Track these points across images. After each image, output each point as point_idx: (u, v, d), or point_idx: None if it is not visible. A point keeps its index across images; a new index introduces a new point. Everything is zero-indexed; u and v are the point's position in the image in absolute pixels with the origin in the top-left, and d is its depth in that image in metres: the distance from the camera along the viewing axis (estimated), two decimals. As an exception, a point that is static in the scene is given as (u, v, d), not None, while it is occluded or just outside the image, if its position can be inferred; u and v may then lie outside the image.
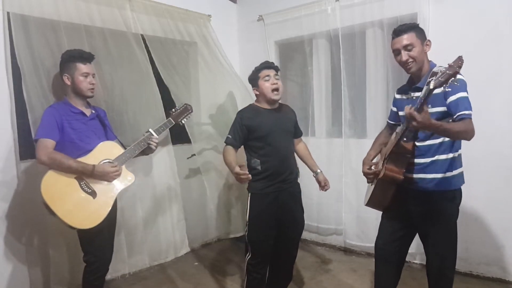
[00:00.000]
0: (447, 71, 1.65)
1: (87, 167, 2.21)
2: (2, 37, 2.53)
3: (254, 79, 2.55)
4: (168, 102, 3.40)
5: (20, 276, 2.65)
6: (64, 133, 2.25)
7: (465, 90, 1.91)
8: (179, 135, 3.63)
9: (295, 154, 2.71)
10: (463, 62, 1.69)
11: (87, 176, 2.23)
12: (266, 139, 2.46)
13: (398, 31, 2.04)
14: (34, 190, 2.32)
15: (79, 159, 2.23)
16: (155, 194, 3.45)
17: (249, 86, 2.67)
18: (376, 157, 2.31)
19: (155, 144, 2.57)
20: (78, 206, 2.17)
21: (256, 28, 4.15)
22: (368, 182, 2.26)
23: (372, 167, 2.22)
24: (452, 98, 1.90)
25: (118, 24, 3.14)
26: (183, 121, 2.84)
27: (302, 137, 2.82)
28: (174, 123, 2.75)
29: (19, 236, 2.63)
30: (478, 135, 2.70)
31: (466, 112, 1.86)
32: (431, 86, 1.67)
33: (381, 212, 2.26)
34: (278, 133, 2.48)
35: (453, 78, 1.66)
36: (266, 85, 2.47)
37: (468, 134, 1.86)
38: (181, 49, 3.71)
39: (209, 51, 3.80)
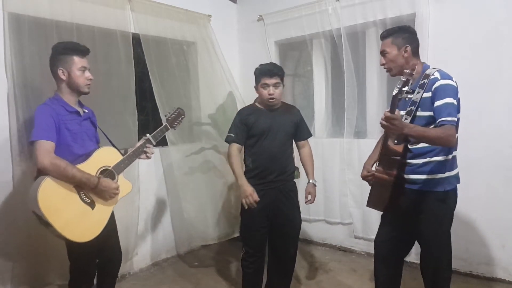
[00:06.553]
0: (407, 70, 1.74)
1: (92, 180, 2.03)
2: (2, 37, 2.52)
3: (255, 80, 2.57)
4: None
5: (18, 274, 2.64)
6: (60, 135, 2.04)
7: (452, 96, 1.89)
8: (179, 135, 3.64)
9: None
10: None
11: (88, 189, 2.05)
12: (259, 138, 2.53)
13: (380, 37, 2.16)
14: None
15: (79, 166, 2.03)
16: (152, 193, 3.45)
17: (247, 86, 2.67)
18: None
19: (150, 154, 2.37)
20: (76, 218, 1.99)
21: (256, 28, 4.15)
22: (370, 185, 2.29)
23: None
24: (437, 103, 1.89)
25: (116, 25, 3.12)
26: (176, 127, 2.62)
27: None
28: (169, 128, 2.54)
29: (17, 237, 2.61)
30: (478, 135, 2.73)
31: (449, 118, 1.84)
32: (397, 90, 1.74)
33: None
34: (272, 133, 2.53)
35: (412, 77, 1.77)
36: (264, 93, 2.52)
37: (448, 140, 1.84)
38: (181, 49, 3.71)
39: (209, 51, 3.80)
